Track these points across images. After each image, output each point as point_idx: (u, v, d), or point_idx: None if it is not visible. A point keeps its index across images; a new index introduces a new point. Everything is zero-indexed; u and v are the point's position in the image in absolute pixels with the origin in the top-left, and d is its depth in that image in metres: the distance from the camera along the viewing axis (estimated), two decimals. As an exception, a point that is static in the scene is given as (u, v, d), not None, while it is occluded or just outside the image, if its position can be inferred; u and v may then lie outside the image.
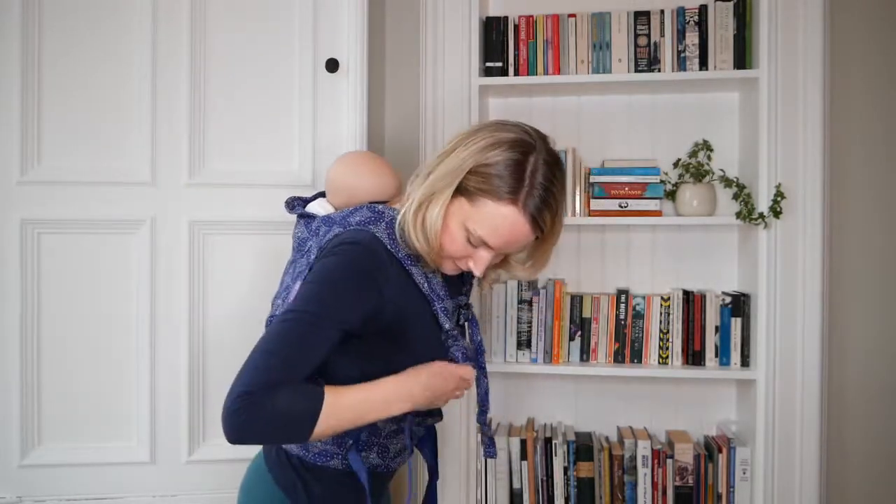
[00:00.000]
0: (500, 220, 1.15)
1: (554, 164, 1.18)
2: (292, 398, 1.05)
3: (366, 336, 1.17)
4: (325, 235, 1.22)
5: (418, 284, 1.21)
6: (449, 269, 1.24)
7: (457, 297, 1.32)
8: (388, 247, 1.19)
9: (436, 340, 1.24)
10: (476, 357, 1.34)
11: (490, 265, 1.23)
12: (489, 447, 1.44)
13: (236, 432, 1.03)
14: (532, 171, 1.15)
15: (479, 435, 1.41)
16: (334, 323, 1.10)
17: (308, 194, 1.46)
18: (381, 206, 1.25)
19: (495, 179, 1.14)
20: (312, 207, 1.37)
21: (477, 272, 1.21)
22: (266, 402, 1.03)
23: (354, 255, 1.15)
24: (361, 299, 1.13)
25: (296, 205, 1.38)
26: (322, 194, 1.42)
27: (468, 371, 1.23)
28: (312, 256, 1.21)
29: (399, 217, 1.21)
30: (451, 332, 1.24)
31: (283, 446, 1.28)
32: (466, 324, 1.36)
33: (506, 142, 1.16)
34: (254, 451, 1.37)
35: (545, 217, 1.16)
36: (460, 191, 1.16)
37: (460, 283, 1.36)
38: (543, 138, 1.21)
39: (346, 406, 1.09)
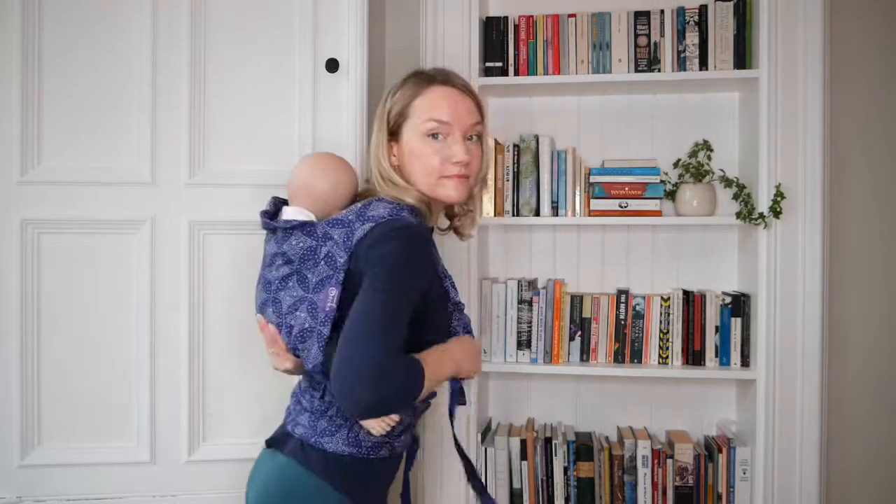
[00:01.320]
0: (434, 99, 1.32)
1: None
2: (406, 367, 1.16)
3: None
4: (350, 237, 1.24)
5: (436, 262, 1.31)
6: (452, 188, 1.32)
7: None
8: None
9: (445, 311, 1.34)
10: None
11: (471, 157, 1.32)
12: (456, 399, 1.42)
13: (377, 400, 1.12)
14: (431, 69, 1.38)
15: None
16: (412, 298, 1.19)
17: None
18: (389, 198, 1.32)
19: (409, 88, 1.34)
20: (293, 215, 1.36)
21: (462, 156, 1.30)
22: (392, 372, 1.13)
23: (411, 234, 1.23)
24: (425, 274, 1.24)
25: (273, 217, 1.37)
26: (283, 201, 1.42)
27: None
28: (341, 260, 1.23)
29: (377, 186, 1.34)
30: (459, 304, 1.37)
31: (331, 449, 1.29)
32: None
33: (402, 79, 1.37)
34: (255, 450, 1.37)
35: (463, 82, 1.36)
36: (398, 130, 1.34)
37: None
38: None
39: (431, 368, 1.20)
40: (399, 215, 1.27)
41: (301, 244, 1.30)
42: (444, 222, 1.47)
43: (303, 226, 1.32)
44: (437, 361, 1.23)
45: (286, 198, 1.43)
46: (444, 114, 1.30)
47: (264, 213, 1.38)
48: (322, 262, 1.26)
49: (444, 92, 1.32)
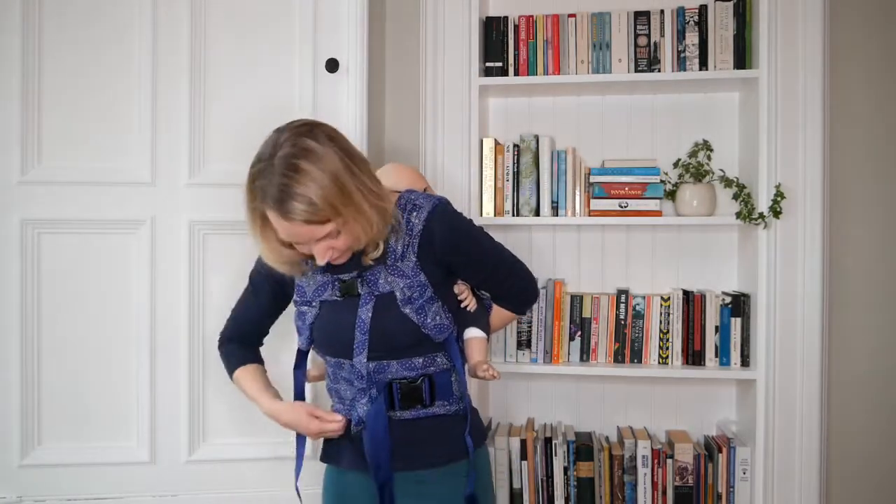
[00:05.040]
0: (275, 223, 1.25)
1: (278, 160, 1.23)
2: (226, 358, 1.52)
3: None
4: None
5: None
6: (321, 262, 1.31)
7: (351, 272, 1.35)
8: None
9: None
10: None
11: (338, 252, 1.28)
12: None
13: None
14: (258, 174, 1.25)
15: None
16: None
17: None
18: None
19: (248, 195, 1.28)
20: None
21: (320, 261, 1.28)
22: (221, 350, 1.53)
23: None
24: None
25: None
26: None
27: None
28: None
29: None
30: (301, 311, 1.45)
31: None
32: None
33: (252, 164, 1.29)
34: (255, 450, 1.37)
35: (291, 207, 1.20)
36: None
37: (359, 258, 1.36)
38: (290, 132, 1.27)
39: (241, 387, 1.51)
40: None
41: None
42: None
43: None
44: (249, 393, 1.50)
45: None
46: (294, 239, 1.27)
47: None
48: None
49: (276, 220, 1.24)
